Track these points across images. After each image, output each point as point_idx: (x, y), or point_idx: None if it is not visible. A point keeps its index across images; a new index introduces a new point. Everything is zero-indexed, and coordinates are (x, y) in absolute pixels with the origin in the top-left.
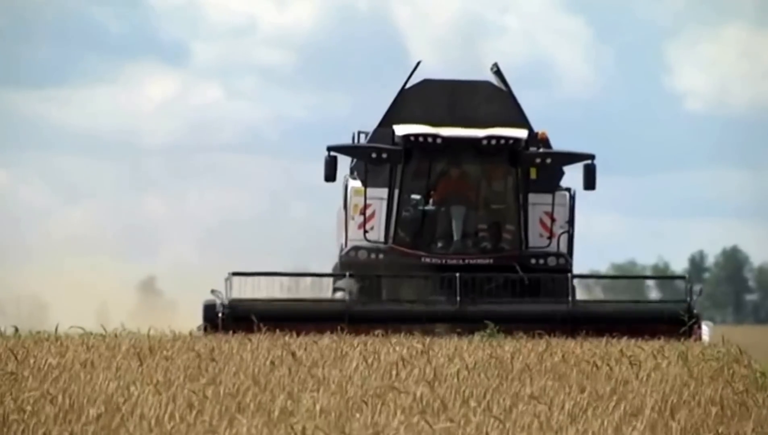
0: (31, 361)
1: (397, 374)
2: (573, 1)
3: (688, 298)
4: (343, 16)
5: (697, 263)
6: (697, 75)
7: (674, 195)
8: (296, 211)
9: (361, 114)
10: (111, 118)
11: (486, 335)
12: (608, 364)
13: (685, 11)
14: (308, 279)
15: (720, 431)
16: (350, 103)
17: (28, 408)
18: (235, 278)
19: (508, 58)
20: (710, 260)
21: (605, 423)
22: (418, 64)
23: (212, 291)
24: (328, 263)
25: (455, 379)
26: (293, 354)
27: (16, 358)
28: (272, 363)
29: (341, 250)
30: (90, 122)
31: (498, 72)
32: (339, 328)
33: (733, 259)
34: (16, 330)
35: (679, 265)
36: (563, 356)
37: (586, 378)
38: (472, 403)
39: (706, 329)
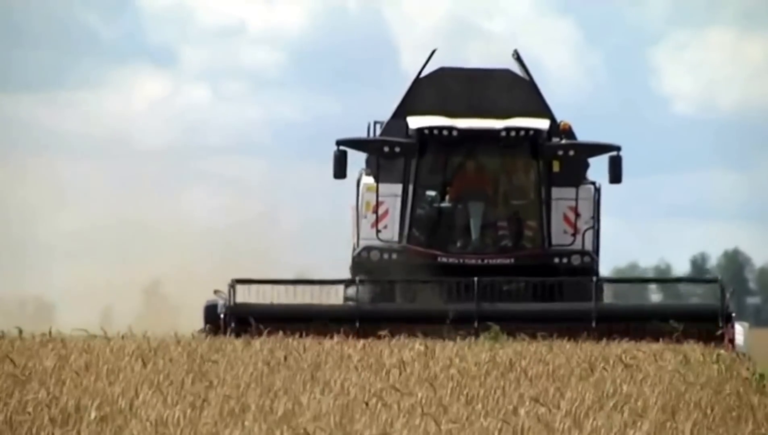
0: (35, 362)
1: (398, 376)
2: (560, 4)
3: (721, 299)
4: (333, 16)
5: (699, 265)
6: (684, 78)
7: (670, 197)
8: (294, 211)
9: (354, 113)
10: (103, 122)
11: (489, 337)
12: (609, 367)
13: (670, 15)
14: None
15: (720, 433)
16: (342, 103)
17: (31, 410)
18: (239, 285)
19: (499, 59)
20: (712, 262)
21: (608, 425)
22: (434, 52)
23: (215, 292)
24: (332, 265)
25: (457, 381)
26: (293, 356)
27: (12, 362)
28: (276, 364)
29: (353, 250)
30: (82, 126)
31: (519, 59)
32: (344, 331)
33: (735, 261)
34: (20, 332)
35: (681, 267)
36: (566, 359)
37: (588, 380)
38: (475, 405)
39: (740, 330)
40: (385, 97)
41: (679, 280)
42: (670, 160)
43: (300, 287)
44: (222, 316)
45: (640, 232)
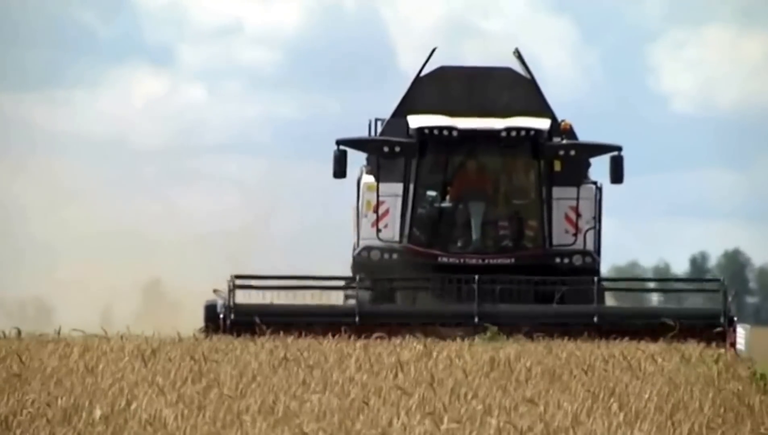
0: (36, 363)
1: (396, 376)
2: (556, 3)
3: (723, 301)
4: (330, 15)
5: (699, 265)
6: (682, 76)
7: (669, 196)
8: (294, 210)
9: (352, 111)
10: (100, 121)
11: (487, 338)
12: (609, 367)
13: (668, 12)
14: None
15: (721, 433)
16: (339, 102)
17: (32, 410)
18: (238, 281)
19: (496, 58)
20: (712, 262)
21: (607, 425)
22: (434, 50)
23: (215, 291)
24: (332, 264)
25: (457, 381)
26: (293, 355)
27: (20, 359)
28: (276, 364)
29: (353, 249)
30: (79, 125)
31: (520, 57)
32: (344, 331)
33: (735, 261)
34: (19, 332)
35: (681, 266)
36: (566, 358)
37: (587, 380)
38: (476, 406)
39: (741, 332)
40: (383, 96)
41: (680, 280)
42: (669, 158)
43: (300, 286)
44: (221, 315)
45: (639, 232)
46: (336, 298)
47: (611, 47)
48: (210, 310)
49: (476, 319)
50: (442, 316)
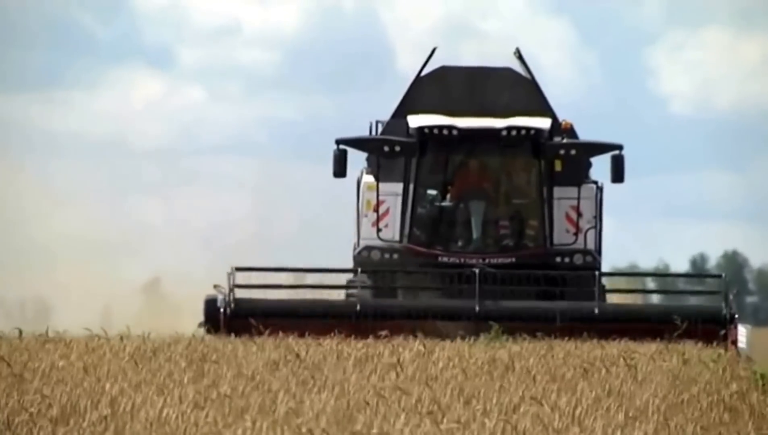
0: (36, 363)
1: (396, 376)
2: (555, 4)
3: (725, 299)
4: (328, 16)
5: (698, 266)
6: (681, 77)
7: (668, 197)
8: (293, 210)
9: (350, 112)
10: (100, 122)
11: (489, 337)
12: (609, 367)
13: (667, 14)
14: (315, 277)
15: (720, 433)
16: (338, 103)
17: (32, 410)
18: (239, 274)
19: (495, 59)
20: (712, 263)
21: (607, 425)
22: (434, 50)
23: (215, 286)
24: (332, 264)
25: (457, 381)
26: (297, 355)
27: (20, 360)
28: (276, 364)
29: (354, 249)
30: (79, 126)
31: (520, 57)
32: (338, 330)
33: (734, 262)
34: (20, 332)
35: (681, 268)
36: (566, 358)
37: (587, 380)
38: (475, 405)
39: (743, 331)
40: (382, 98)
41: (681, 275)
42: (668, 160)
43: (301, 284)
44: (222, 310)
45: (638, 233)
46: (337, 293)
47: (610, 49)
48: (210, 305)
49: (477, 311)
50: (443, 313)
